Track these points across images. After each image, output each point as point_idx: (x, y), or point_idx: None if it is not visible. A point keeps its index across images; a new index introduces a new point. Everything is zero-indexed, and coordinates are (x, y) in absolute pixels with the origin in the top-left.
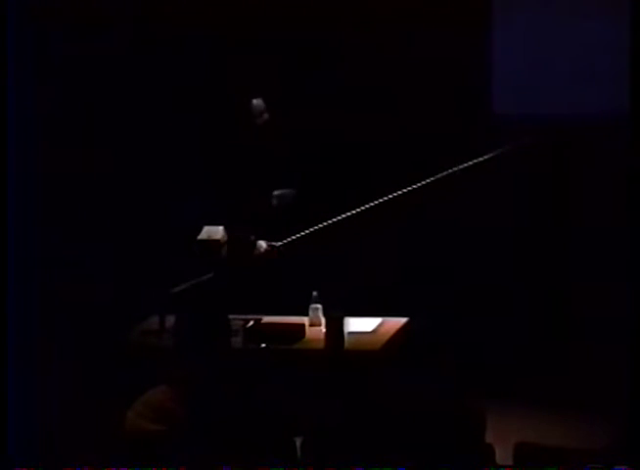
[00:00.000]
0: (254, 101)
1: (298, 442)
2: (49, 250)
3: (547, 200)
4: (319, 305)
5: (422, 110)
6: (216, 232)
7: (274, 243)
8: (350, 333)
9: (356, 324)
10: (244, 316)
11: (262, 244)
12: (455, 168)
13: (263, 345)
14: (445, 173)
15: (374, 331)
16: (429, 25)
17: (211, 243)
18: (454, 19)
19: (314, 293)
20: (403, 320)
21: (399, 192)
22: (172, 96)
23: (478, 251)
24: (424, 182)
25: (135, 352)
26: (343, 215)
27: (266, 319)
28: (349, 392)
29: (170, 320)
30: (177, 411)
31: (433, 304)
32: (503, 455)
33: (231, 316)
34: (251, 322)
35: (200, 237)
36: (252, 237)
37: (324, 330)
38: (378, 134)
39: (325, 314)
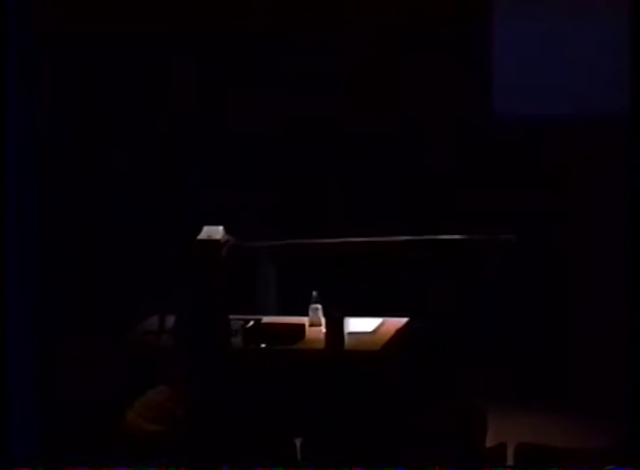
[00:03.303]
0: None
1: (298, 442)
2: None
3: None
4: (319, 305)
5: (421, 110)
6: (216, 232)
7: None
8: (350, 333)
9: (356, 324)
10: (244, 316)
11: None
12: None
13: (263, 345)
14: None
15: (374, 331)
16: (428, 26)
17: (211, 243)
18: (454, 19)
19: (314, 293)
20: (403, 320)
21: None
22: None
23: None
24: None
25: (135, 351)
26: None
27: (266, 319)
28: (349, 392)
29: (170, 320)
30: (177, 411)
31: (432, 303)
32: (503, 455)
33: (231, 316)
34: (252, 322)
35: (200, 237)
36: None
37: (324, 330)
38: (376, 130)
39: (325, 314)
